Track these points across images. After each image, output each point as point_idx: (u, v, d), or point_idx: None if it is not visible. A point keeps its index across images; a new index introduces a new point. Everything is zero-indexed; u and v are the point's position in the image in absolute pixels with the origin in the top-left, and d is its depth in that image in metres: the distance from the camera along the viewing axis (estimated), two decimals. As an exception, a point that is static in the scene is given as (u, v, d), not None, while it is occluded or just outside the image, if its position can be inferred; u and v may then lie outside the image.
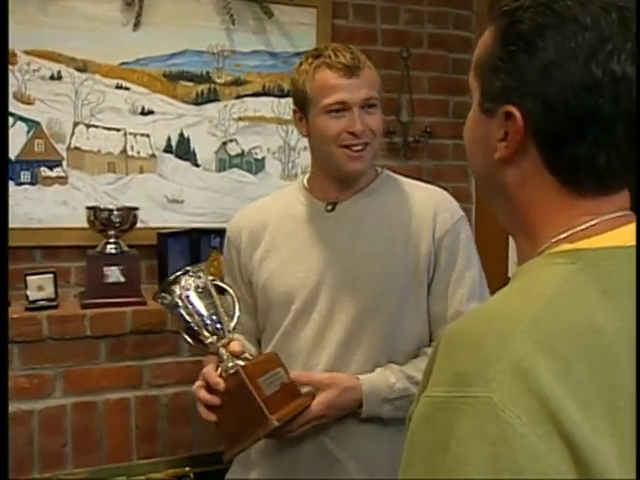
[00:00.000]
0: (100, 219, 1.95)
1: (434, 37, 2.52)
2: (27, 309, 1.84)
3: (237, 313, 1.29)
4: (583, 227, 0.64)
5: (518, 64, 0.63)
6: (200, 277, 1.26)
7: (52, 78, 2.08)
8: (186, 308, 1.24)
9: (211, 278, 1.29)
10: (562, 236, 0.64)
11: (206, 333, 1.24)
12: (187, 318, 1.24)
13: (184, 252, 2.13)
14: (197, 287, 1.25)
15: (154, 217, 2.19)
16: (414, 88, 2.49)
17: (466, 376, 0.56)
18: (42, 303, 1.87)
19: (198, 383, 1.24)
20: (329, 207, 1.34)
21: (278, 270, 1.34)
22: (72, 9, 2.08)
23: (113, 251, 1.96)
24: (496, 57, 0.65)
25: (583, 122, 0.61)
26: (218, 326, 1.25)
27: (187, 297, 1.24)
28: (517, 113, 0.63)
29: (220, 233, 2.15)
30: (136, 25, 2.14)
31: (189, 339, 1.28)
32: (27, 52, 2.04)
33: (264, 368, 1.22)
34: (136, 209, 2.02)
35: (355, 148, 1.27)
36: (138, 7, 2.12)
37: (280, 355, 1.30)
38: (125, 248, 1.99)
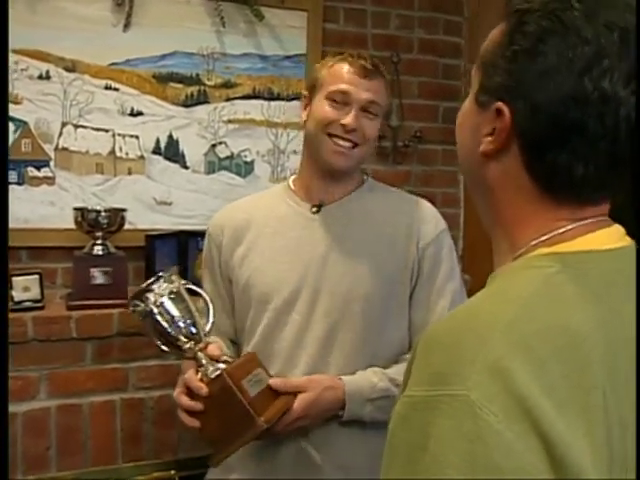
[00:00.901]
0: (88, 220, 1.93)
1: (424, 42, 2.53)
2: (12, 310, 1.82)
3: (212, 316, 1.28)
4: (561, 231, 0.65)
5: (517, 64, 0.64)
6: (173, 282, 1.24)
7: (40, 78, 2.06)
8: (161, 314, 1.21)
9: (183, 282, 1.28)
10: (540, 239, 0.65)
11: (183, 338, 1.21)
12: (163, 324, 1.21)
13: (172, 254, 2.12)
14: (170, 292, 1.22)
15: (142, 219, 2.18)
16: (404, 93, 2.50)
17: (443, 375, 0.57)
18: (28, 304, 1.85)
19: (178, 389, 1.23)
20: (314, 209, 1.35)
21: (260, 269, 1.34)
22: (62, 9, 2.07)
23: (100, 252, 1.95)
24: (499, 54, 0.67)
25: (565, 132, 0.62)
26: (194, 330, 1.22)
27: (162, 303, 1.21)
28: (506, 111, 0.64)
29: (208, 235, 2.15)
30: (126, 26, 2.13)
31: (163, 346, 1.24)
32: (15, 51, 2.03)
33: (246, 369, 1.21)
34: (124, 210, 2.01)
35: (342, 142, 1.28)
36: (128, 8, 2.11)
37: (260, 355, 1.29)
38: (112, 250, 1.98)
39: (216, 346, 1.24)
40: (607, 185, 0.65)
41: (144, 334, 1.34)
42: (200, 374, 1.20)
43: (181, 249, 2.15)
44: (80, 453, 1.86)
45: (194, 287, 1.32)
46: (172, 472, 1.94)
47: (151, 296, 1.21)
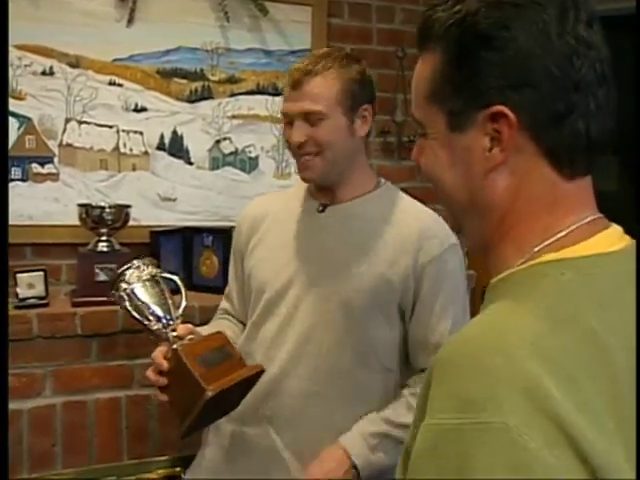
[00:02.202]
0: (92, 217, 1.93)
1: (429, 37, 2.51)
2: (17, 307, 1.82)
3: (184, 301, 1.36)
4: (565, 232, 0.63)
5: (487, 64, 0.62)
6: (144, 270, 1.32)
7: (44, 73, 2.05)
8: (131, 301, 1.31)
9: (157, 270, 1.35)
10: (544, 244, 0.63)
11: (152, 321, 1.29)
12: (131, 310, 1.31)
13: (177, 251, 2.12)
14: (143, 279, 1.31)
15: (146, 215, 2.17)
16: (409, 88, 2.46)
17: (474, 401, 0.53)
18: (32, 301, 1.85)
19: (150, 368, 1.28)
20: (320, 208, 1.36)
21: (262, 260, 1.39)
22: (65, 4, 2.06)
23: (105, 249, 1.94)
24: (455, 71, 0.64)
25: (572, 93, 0.61)
26: (161, 314, 1.29)
27: (132, 290, 1.30)
28: (505, 109, 0.61)
29: (213, 232, 2.14)
30: (130, 21, 2.11)
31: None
32: (19, 47, 2.02)
33: (206, 346, 1.27)
34: (128, 207, 2.00)
35: (301, 158, 1.29)
36: (132, 3, 2.10)
37: (248, 342, 1.37)
38: (117, 246, 1.97)
39: (185, 327, 1.29)
40: (609, 135, 0.65)
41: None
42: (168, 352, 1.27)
43: (186, 245, 2.14)
44: (85, 450, 1.86)
45: (167, 274, 1.37)
46: (177, 469, 1.93)
47: (123, 284, 1.29)
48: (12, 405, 1.77)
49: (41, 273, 1.89)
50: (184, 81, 2.21)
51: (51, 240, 2.06)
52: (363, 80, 1.29)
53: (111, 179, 2.15)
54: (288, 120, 1.29)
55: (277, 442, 1.32)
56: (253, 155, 2.32)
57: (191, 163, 2.23)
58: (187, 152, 2.23)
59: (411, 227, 1.30)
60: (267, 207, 1.44)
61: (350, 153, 1.31)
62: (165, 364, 1.24)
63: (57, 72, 2.07)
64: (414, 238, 1.28)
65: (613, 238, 0.66)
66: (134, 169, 2.17)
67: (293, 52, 2.32)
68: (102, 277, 1.91)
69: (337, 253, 1.31)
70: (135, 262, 1.32)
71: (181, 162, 2.22)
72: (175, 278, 1.38)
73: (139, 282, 1.30)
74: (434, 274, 1.28)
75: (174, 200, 2.22)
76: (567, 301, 0.59)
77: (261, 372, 1.28)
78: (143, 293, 1.30)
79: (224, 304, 1.53)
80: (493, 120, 0.62)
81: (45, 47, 2.05)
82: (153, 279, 1.31)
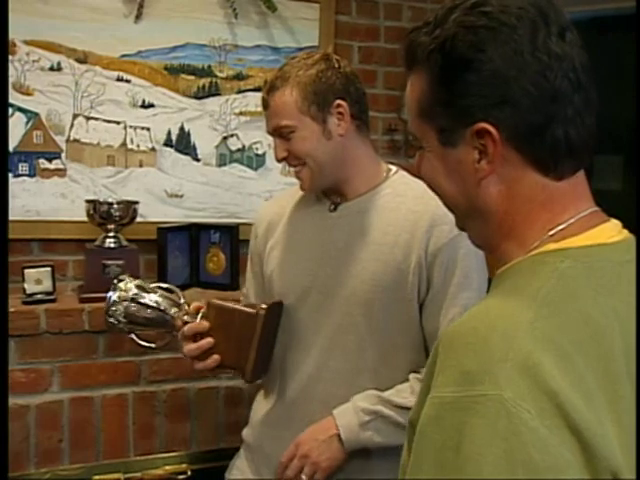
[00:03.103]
0: (100, 213, 1.92)
1: (437, 35, 2.50)
2: (24, 302, 1.82)
3: (179, 292, 1.44)
4: (565, 225, 0.68)
5: (468, 84, 0.66)
6: (130, 281, 1.41)
7: (52, 69, 2.05)
8: (139, 307, 1.37)
9: (139, 280, 1.43)
10: (546, 235, 0.68)
11: (169, 308, 1.36)
12: (148, 307, 1.36)
13: (184, 247, 2.12)
14: (135, 288, 1.39)
15: (153, 211, 2.16)
16: (416, 86, 2.47)
17: (473, 375, 0.57)
18: (40, 297, 1.84)
19: (183, 343, 1.31)
20: (332, 207, 1.34)
21: (280, 265, 1.37)
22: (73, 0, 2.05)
23: (112, 245, 1.94)
24: (441, 91, 0.69)
25: (549, 105, 0.66)
26: (171, 305, 1.37)
27: (134, 297, 1.37)
28: (488, 126, 0.66)
29: (220, 228, 2.14)
30: (138, 17, 2.11)
31: (147, 344, 1.43)
32: (27, 42, 2.01)
33: (229, 299, 1.39)
34: (136, 203, 1.99)
35: (295, 172, 1.31)
36: (140, -1, 2.10)
37: (277, 349, 1.38)
38: (124, 242, 1.97)
39: (196, 302, 1.35)
40: (592, 137, 0.69)
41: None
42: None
43: (193, 242, 2.14)
44: (92, 446, 1.86)
45: (152, 284, 1.45)
46: (184, 465, 1.93)
47: (122, 293, 1.37)
48: (19, 400, 1.77)
49: (48, 269, 1.88)
50: (192, 77, 2.20)
51: (58, 236, 2.06)
52: (325, 78, 1.25)
53: (118, 175, 2.14)
54: (274, 137, 1.31)
55: None
56: (260, 152, 2.31)
57: (198, 160, 2.23)
58: (194, 148, 2.22)
59: (421, 216, 1.26)
60: (281, 209, 1.43)
61: (336, 154, 1.27)
62: (205, 322, 1.28)
63: (65, 68, 2.06)
64: (424, 226, 1.25)
65: (612, 231, 0.70)
66: (141, 165, 2.17)
67: (301, 49, 2.31)
68: (110, 273, 1.91)
69: (352, 253, 1.29)
70: (114, 282, 1.41)
71: (188, 158, 2.22)
72: (158, 283, 1.48)
73: (134, 291, 1.38)
74: (445, 261, 1.24)
75: (181, 196, 2.21)
76: (565, 285, 0.63)
77: (281, 303, 1.34)
78: (144, 297, 1.37)
79: None
80: (478, 136, 0.67)
81: (53, 43, 2.04)
82: (140, 287, 1.39)
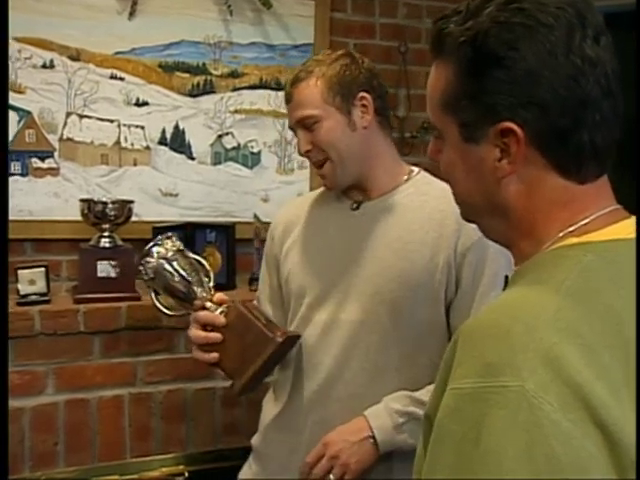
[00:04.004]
0: (94, 212, 1.90)
1: (432, 32, 2.49)
2: (18, 304, 1.80)
3: (210, 274, 1.38)
4: (586, 221, 0.67)
5: (498, 82, 0.65)
6: (175, 243, 1.34)
7: (44, 67, 2.02)
8: (170, 270, 1.31)
9: (181, 245, 1.36)
10: (568, 230, 0.67)
11: (196, 286, 1.31)
12: (177, 274, 1.31)
13: (179, 247, 2.09)
14: (174, 251, 1.32)
15: (148, 210, 2.14)
16: (411, 83, 2.47)
17: (494, 366, 0.56)
18: (34, 297, 1.82)
19: (193, 326, 1.29)
20: (354, 205, 1.33)
21: (299, 264, 1.35)
22: (66, -4, 2.02)
23: (107, 245, 1.92)
24: (468, 85, 0.67)
25: (578, 110, 0.65)
26: (202, 281, 1.32)
27: (171, 258, 1.31)
28: (514, 126, 0.65)
29: (216, 227, 2.12)
30: (131, 14, 2.09)
31: (165, 309, 1.36)
32: (19, 39, 1.99)
33: (251, 307, 1.33)
34: (131, 202, 1.97)
35: (318, 171, 1.30)
36: (134, -5, 2.07)
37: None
38: (119, 242, 1.94)
39: (221, 295, 1.32)
40: (615, 143, 0.69)
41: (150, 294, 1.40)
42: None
43: (188, 241, 2.11)
44: (88, 448, 1.84)
45: (193, 255, 1.38)
46: (181, 467, 1.91)
47: (161, 250, 1.30)
48: (14, 403, 1.75)
49: (42, 269, 1.86)
50: (186, 75, 2.18)
51: (51, 236, 2.03)
52: (350, 71, 1.27)
53: (112, 174, 2.12)
54: (295, 133, 1.30)
55: None
56: (255, 150, 2.30)
57: (193, 158, 2.21)
58: (189, 147, 2.20)
59: (448, 215, 1.24)
60: (299, 210, 1.42)
61: (359, 147, 1.28)
62: (222, 319, 1.25)
63: (57, 65, 2.03)
64: (452, 226, 1.24)
65: (631, 227, 0.69)
66: (135, 164, 2.14)
67: (296, 47, 2.30)
68: (105, 273, 1.89)
69: (377, 251, 1.27)
70: (160, 237, 1.33)
71: (183, 157, 2.20)
72: (200, 258, 1.39)
73: (171, 253, 1.31)
74: (474, 261, 1.24)
75: (176, 195, 2.19)
76: (588, 279, 0.62)
77: (299, 337, 1.30)
78: (177, 263, 1.31)
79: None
80: (502, 135, 0.66)
81: (45, 40, 2.01)
82: (181, 252, 1.33)
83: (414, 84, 2.47)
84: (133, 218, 2.02)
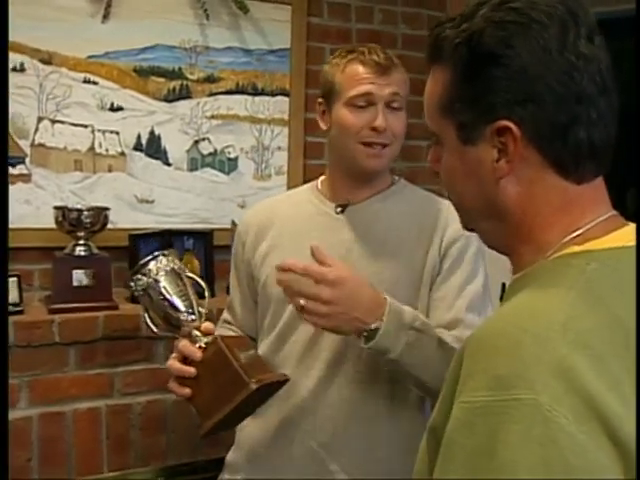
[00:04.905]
0: (69, 219, 1.85)
1: (408, 38, 2.51)
2: (-10, 315, 1.73)
3: (207, 297, 1.30)
4: (587, 228, 0.67)
5: (494, 79, 0.65)
6: (171, 261, 1.27)
7: (15, 70, 1.96)
8: (163, 287, 1.24)
9: (180, 264, 1.29)
10: (569, 238, 0.67)
11: (183, 312, 1.23)
12: (166, 296, 1.23)
13: (156, 254, 2.05)
14: (170, 270, 1.25)
15: (123, 218, 2.09)
16: (388, 89, 2.47)
17: (505, 379, 0.55)
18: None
19: (172, 356, 1.23)
20: (339, 209, 1.32)
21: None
22: (37, -2, 1.97)
23: (83, 253, 1.86)
24: (465, 86, 0.68)
25: (574, 106, 0.65)
26: (191, 307, 1.24)
27: (163, 277, 1.24)
28: (510, 124, 0.65)
29: (194, 234, 2.09)
30: (105, 17, 2.04)
31: (153, 326, 1.27)
32: (-12, 42, 1.92)
33: (239, 343, 1.24)
34: (107, 209, 1.93)
35: (375, 146, 1.24)
36: (107, -2, 2.03)
37: (273, 355, 1.30)
38: (95, 250, 1.89)
39: (209, 324, 1.25)
40: (612, 141, 0.69)
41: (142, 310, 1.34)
42: (196, 345, 1.22)
43: (165, 249, 2.05)
44: (63, 464, 1.78)
45: (191, 274, 1.31)
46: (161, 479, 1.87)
47: (154, 268, 1.23)
48: (-14, 418, 1.68)
49: (14, 279, 1.80)
50: (162, 80, 2.14)
51: (23, 244, 1.96)
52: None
53: (86, 180, 2.07)
54: (366, 103, 1.23)
55: (321, 454, 1.25)
56: (232, 156, 2.27)
57: (169, 164, 2.17)
58: (165, 153, 2.16)
59: (435, 217, 1.29)
60: (272, 212, 1.38)
61: None
62: (199, 353, 1.19)
63: (29, 69, 1.98)
64: (438, 226, 1.28)
65: (631, 235, 0.69)
66: (110, 170, 2.10)
67: (273, 51, 2.29)
68: (80, 282, 1.84)
69: (364, 254, 1.27)
70: (157, 254, 1.26)
71: (159, 163, 2.16)
72: (195, 277, 1.32)
73: (167, 272, 1.24)
74: (454, 255, 1.27)
75: (152, 202, 2.15)
76: (593, 287, 0.62)
77: (287, 381, 1.22)
78: (169, 284, 1.23)
79: (226, 315, 1.47)
80: (499, 134, 0.66)
81: (16, 42, 1.95)
82: (176, 272, 1.25)
83: (390, 90, 2.48)
84: (108, 226, 1.97)
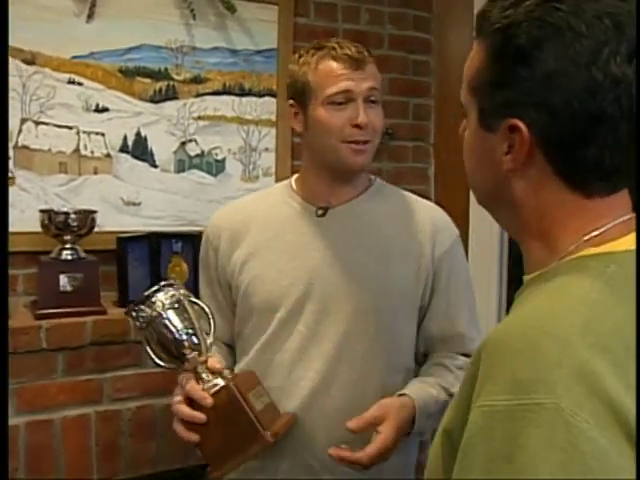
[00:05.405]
0: (55, 223, 1.81)
1: (394, 38, 2.50)
2: (-26, 321, 1.69)
3: (213, 329, 1.22)
4: (603, 229, 0.66)
5: (518, 77, 0.64)
6: (177, 292, 1.19)
7: (-3, 71, 1.92)
8: (167, 322, 1.16)
9: (186, 293, 1.21)
10: (584, 239, 0.66)
11: (187, 348, 1.16)
12: (169, 332, 1.16)
13: (144, 257, 2.02)
14: (175, 302, 1.17)
15: (109, 220, 2.06)
16: (375, 89, 2.46)
17: (526, 383, 0.55)
18: (-9, 314, 1.72)
19: (178, 399, 1.16)
20: (320, 212, 1.27)
21: (261, 275, 1.27)
22: (20, -3, 1.93)
23: (69, 257, 1.83)
24: (493, 73, 0.67)
25: (589, 125, 0.63)
26: (196, 342, 1.17)
27: (167, 311, 1.16)
28: (521, 125, 0.64)
29: (182, 237, 2.07)
30: (90, 16, 2.01)
31: (158, 360, 1.18)
32: (-31, 42, 1.88)
33: (250, 384, 1.18)
34: (94, 212, 1.89)
35: (354, 145, 1.20)
36: (92, -3, 1.99)
37: (260, 366, 1.25)
38: (82, 254, 1.86)
39: (217, 360, 1.19)
40: (631, 166, 0.66)
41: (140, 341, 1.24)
42: (204, 386, 1.15)
43: (153, 252, 2.04)
44: (52, 472, 1.75)
45: (196, 300, 1.24)
46: (151, 487, 1.85)
47: (158, 302, 1.15)
48: (-28, 427, 1.64)
49: (-1, 284, 1.76)
50: (148, 80, 2.11)
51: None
52: None
53: (71, 183, 2.03)
54: (345, 100, 1.19)
55: (315, 466, 1.22)
56: (220, 157, 2.24)
57: (156, 166, 2.14)
58: (151, 154, 2.13)
59: (422, 220, 1.28)
60: (246, 215, 1.32)
61: None
62: (210, 399, 1.11)
63: (11, 69, 1.93)
64: (427, 231, 1.27)
65: None
66: (96, 172, 2.06)
67: (259, 52, 2.27)
68: (67, 287, 1.80)
69: (354, 259, 1.24)
70: (163, 284, 1.19)
71: (145, 165, 2.13)
72: (204, 306, 1.25)
73: (172, 305, 1.17)
74: (449, 267, 1.27)
75: (138, 204, 2.12)
76: (612, 290, 0.61)
77: (294, 422, 1.20)
78: (174, 318, 1.16)
79: None
80: (510, 131, 0.65)
81: (-2, 42, 1.91)
82: (181, 303, 1.18)
83: (377, 90, 2.47)
84: (94, 229, 1.93)
